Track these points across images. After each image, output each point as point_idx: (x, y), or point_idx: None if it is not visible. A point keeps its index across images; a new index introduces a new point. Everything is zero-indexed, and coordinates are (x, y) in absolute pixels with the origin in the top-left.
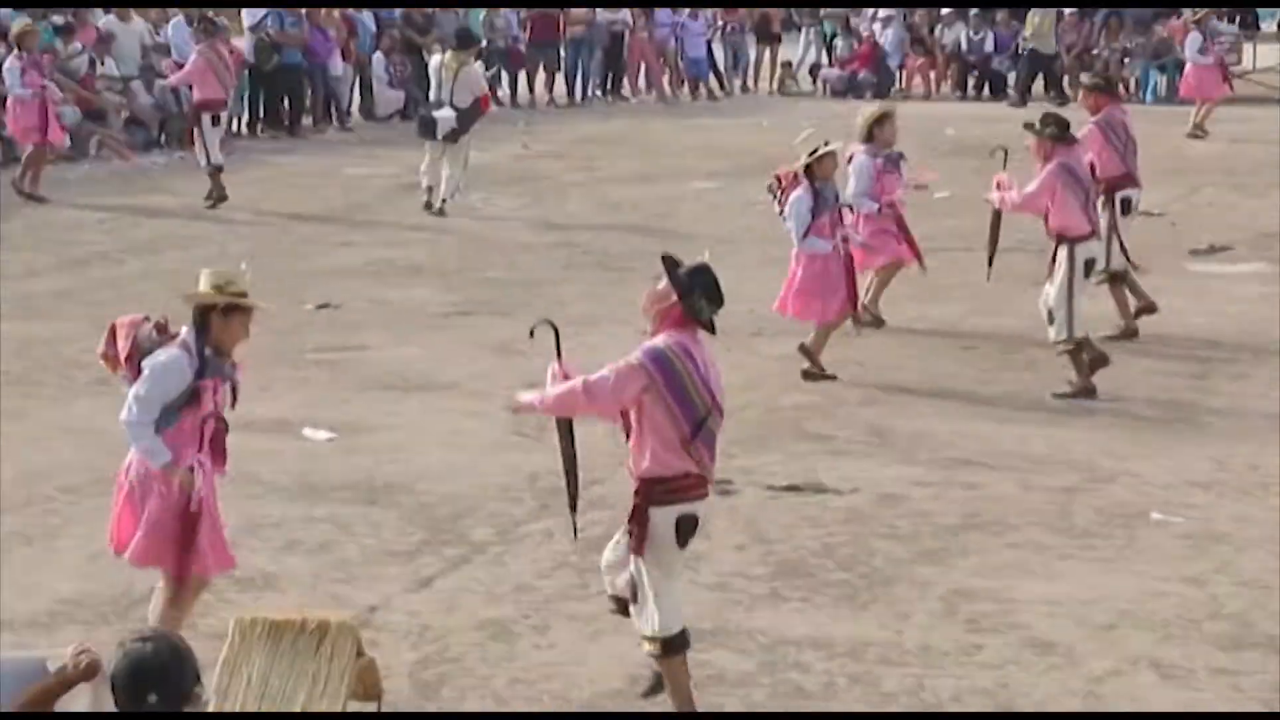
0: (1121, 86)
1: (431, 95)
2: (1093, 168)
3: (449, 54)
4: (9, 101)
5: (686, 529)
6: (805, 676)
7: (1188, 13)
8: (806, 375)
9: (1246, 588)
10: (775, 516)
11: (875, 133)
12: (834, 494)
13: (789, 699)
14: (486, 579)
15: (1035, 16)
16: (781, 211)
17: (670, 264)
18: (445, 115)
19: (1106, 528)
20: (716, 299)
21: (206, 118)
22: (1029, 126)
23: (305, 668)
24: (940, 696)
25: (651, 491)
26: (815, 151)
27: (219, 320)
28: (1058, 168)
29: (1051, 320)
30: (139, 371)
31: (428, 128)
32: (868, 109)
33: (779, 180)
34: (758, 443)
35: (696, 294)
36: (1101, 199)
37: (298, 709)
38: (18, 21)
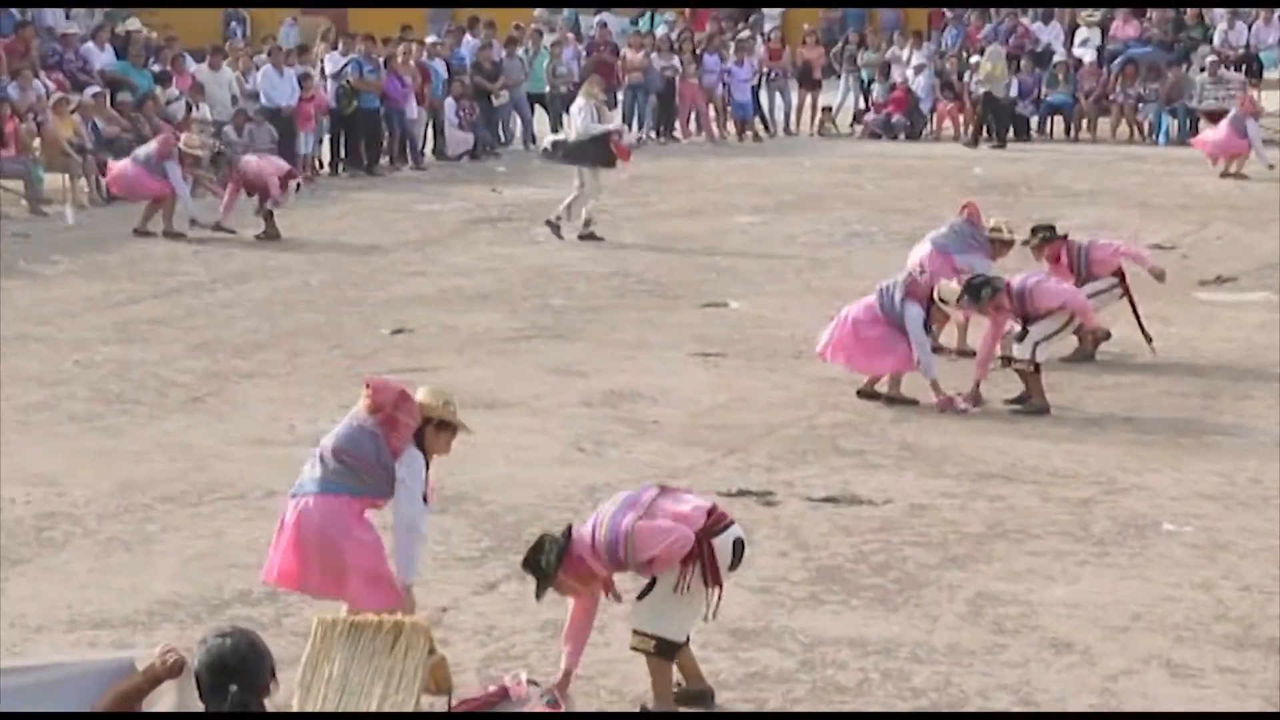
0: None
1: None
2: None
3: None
4: (136, 168)
5: (739, 550)
6: (842, 673)
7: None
8: (890, 400)
9: (1250, 593)
10: (814, 526)
11: (995, 248)
12: (868, 505)
13: (827, 694)
14: None
15: (987, 63)
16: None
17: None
18: (551, 138)
19: (1121, 536)
20: (532, 566)
21: (293, 185)
22: (962, 299)
23: (382, 664)
24: (966, 692)
25: (708, 534)
26: (946, 302)
27: (432, 432)
28: (1033, 292)
29: (1020, 339)
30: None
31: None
32: (998, 223)
33: (934, 295)
34: (798, 458)
35: (543, 562)
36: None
37: (375, 702)
38: (188, 139)
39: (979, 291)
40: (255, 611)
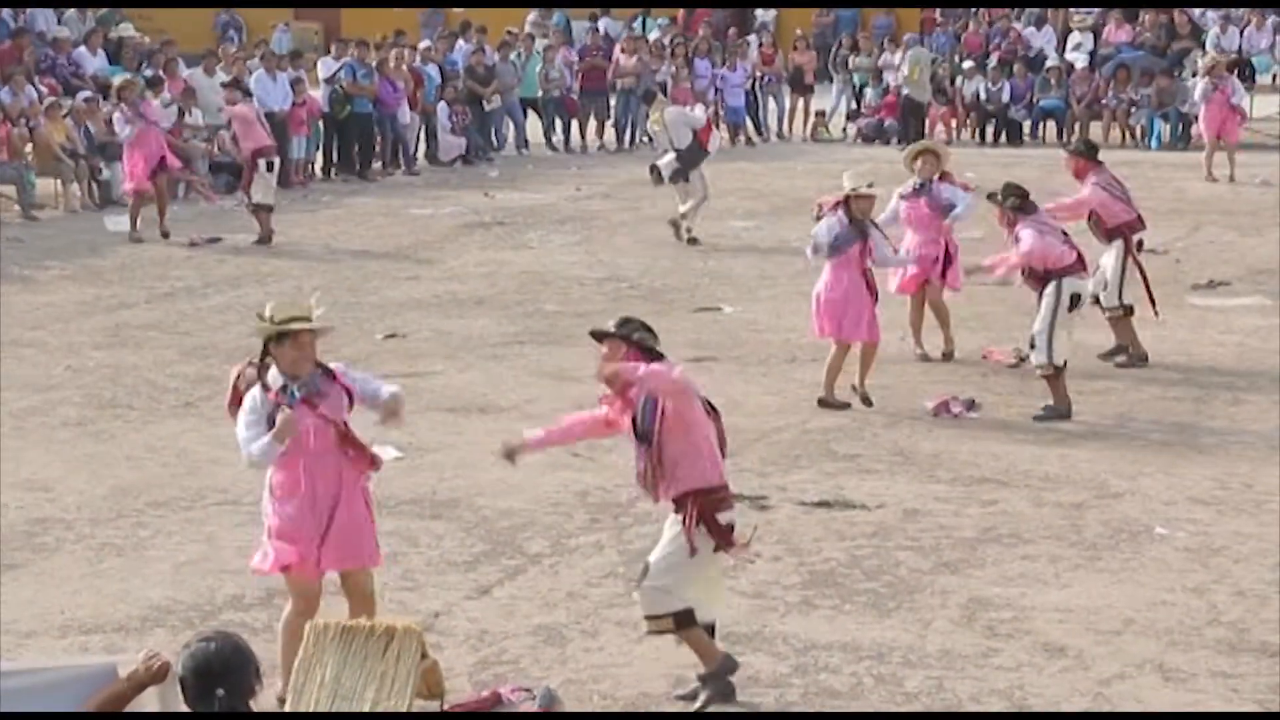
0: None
1: (658, 148)
2: (1100, 219)
3: (650, 114)
4: (126, 151)
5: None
6: (834, 678)
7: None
8: (822, 403)
9: (1243, 597)
10: (807, 530)
11: (912, 166)
12: (861, 509)
13: (819, 699)
14: (541, 587)
15: (904, 67)
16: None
17: (599, 332)
18: (666, 160)
19: (1114, 541)
20: (650, 330)
21: (262, 163)
22: (991, 197)
23: (374, 668)
24: (959, 696)
25: (709, 500)
26: (857, 189)
27: (275, 349)
28: (1032, 228)
29: (1033, 346)
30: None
31: (657, 175)
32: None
33: (820, 207)
34: (791, 462)
35: (636, 333)
36: (1119, 243)
37: (367, 707)
38: (119, 75)
39: (1007, 195)
40: (248, 616)
